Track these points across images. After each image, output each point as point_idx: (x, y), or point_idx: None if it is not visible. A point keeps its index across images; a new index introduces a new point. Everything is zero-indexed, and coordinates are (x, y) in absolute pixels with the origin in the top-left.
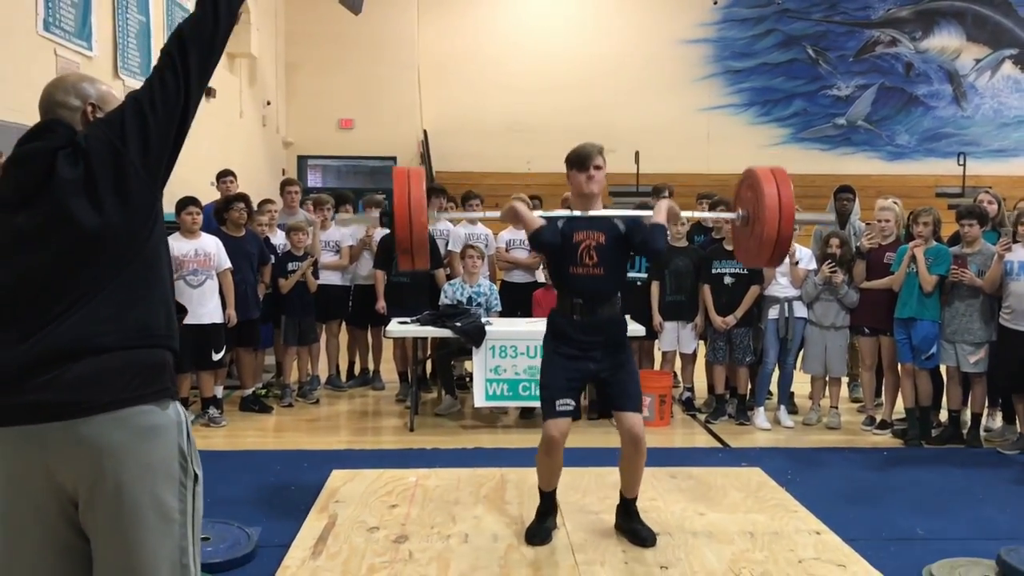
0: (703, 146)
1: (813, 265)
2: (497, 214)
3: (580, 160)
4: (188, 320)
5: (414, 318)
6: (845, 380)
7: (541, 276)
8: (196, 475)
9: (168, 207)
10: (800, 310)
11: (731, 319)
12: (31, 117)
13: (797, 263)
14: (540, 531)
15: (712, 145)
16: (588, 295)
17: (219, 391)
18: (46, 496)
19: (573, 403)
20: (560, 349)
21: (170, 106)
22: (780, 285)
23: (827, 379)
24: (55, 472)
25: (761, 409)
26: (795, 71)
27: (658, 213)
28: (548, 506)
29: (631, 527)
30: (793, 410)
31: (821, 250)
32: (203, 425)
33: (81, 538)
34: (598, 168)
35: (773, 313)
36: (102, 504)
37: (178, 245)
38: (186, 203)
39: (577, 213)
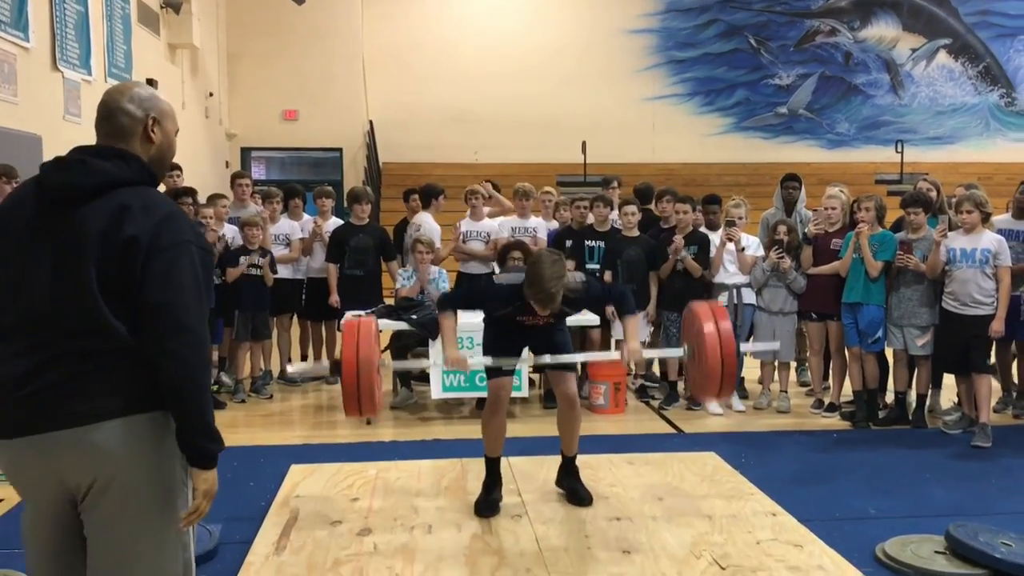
0: (648, 135)
1: (761, 252)
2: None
3: (536, 299)
4: None
5: (369, 311)
6: (794, 364)
7: (498, 268)
8: None
9: None
10: (749, 296)
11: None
12: None
13: (744, 249)
14: (488, 502)
15: (657, 135)
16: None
17: None
18: (57, 496)
19: (514, 362)
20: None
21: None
22: (729, 272)
23: (776, 364)
24: (65, 478)
25: None
26: (737, 61)
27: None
28: (494, 477)
29: (571, 486)
30: (744, 395)
31: (769, 237)
32: None
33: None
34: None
35: (722, 300)
36: (108, 503)
37: None
38: None
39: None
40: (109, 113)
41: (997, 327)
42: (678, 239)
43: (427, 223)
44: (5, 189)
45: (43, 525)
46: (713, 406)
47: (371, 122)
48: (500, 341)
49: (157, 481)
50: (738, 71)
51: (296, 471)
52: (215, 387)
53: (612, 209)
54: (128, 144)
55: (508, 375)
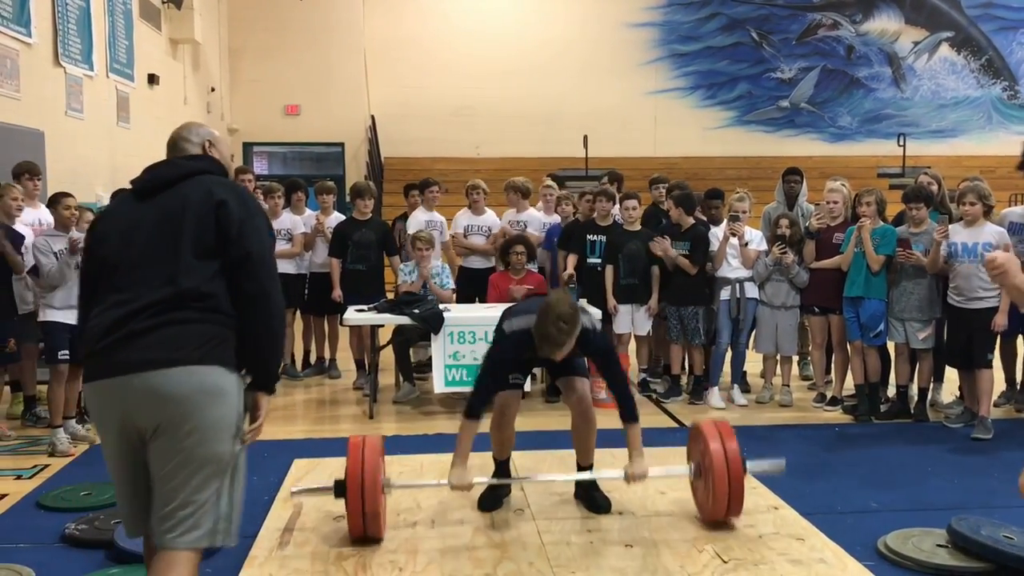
0: (650, 129)
1: (764, 246)
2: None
3: (541, 347)
4: None
5: (371, 305)
6: (796, 359)
7: (499, 263)
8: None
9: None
10: (751, 291)
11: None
12: None
13: (747, 244)
14: (493, 497)
15: (659, 129)
16: None
17: None
18: (129, 434)
19: (523, 377)
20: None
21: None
22: (732, 267)
23: (778, 358)
24: (135, 417)
25: (715, 388)
26: (739, 54)
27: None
28: (503, 474)
29: (588, 494)
30: (746, 389)
31: (771, 231)
32: None
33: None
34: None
35: (725, 294)
36: (168, 443)
37: None
38: None
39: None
40: (174, 143)
41: (1000, 320)
42: (658, 241)
43: (414, 217)
44: (28, 186)
45: (118, 458)
46: (715, 400)
47: (373, 117)
48: (511, 366)
49: (217, 426)
50: (740, 65)
51: (299, 465)
52: None
53: (614, 203)
54: None
55: (515, 388)
